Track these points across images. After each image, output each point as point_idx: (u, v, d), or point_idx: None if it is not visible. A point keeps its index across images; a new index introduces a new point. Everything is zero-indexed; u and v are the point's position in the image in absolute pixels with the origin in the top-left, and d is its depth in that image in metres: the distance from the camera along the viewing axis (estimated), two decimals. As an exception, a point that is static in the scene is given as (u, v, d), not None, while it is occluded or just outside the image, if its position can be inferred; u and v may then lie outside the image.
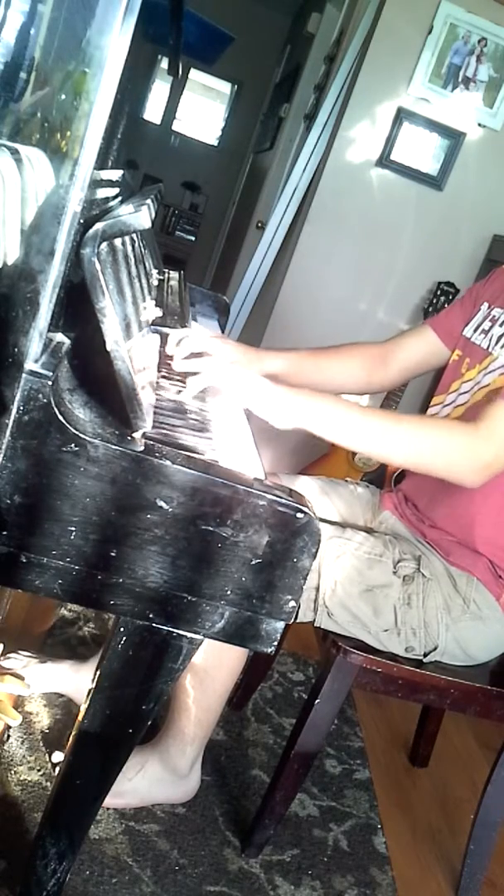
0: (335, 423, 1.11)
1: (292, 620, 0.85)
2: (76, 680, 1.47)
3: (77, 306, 0.78)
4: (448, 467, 1.14)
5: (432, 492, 1.36)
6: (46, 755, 1.37)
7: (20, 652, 1.49)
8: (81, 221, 0.73)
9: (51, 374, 0.73)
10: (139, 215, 0.80)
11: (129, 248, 0.98)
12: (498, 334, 1.31)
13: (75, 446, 0.74)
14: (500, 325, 1.31)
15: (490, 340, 1.32)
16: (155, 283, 1.25)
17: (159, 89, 5.88)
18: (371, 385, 1.48)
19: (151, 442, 0.78)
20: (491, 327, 1.34)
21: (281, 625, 0.84)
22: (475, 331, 1.37)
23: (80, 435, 0.74)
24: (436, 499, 1.35)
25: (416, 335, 1.46)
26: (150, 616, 0.82)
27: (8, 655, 1.46)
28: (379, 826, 1.53)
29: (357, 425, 1.11)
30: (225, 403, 1.11)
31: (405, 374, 1.47)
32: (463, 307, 1.43)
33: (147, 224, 0.81)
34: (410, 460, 1.15)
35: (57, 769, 1.32)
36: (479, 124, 2.63)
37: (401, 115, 2.61)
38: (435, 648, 1.26)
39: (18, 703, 1.44)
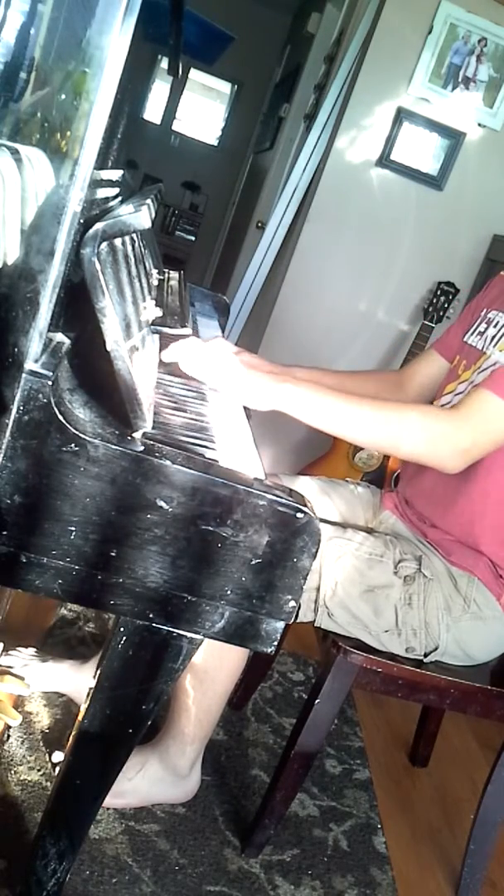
0: (314, 407, 1.11)
1: (292, 620, 0.85)
2: (76, 680, 1.47)
3: (77, 306, 0.78)
4: (427, 452, 1.15)
5: (433, 492, 1.36)
6: (46, 755, 1.37)
7: (20, 651, 1.49)
8: (81, 221, 0.73)
9: (51, 374, 0.73)
10: (139, 215, 0.80)
11: (129, 248, 0.98)
12: (492, 335, 1.32)
13: (75, 446, 0.74)
14: (495, 327, 1.32)
15: (485, 341, 1.33)
16: (155, 283, 1.25)
17: (159, 89, 5.88)
18: None
19: (151, 442, 0.78)
20: (486, 329, 1.35)
21: (281, 625, 0.84)
22: (472, 334, 1.38)
23: (80, 435, 0.74)
24: (436, 499, 1.35)
25: (424, 361, 1.52)
26: (150, 616, 0.82)
27: (8, 654, 1.46)
28: (379, 826, 1.53)
29: (336, 410, 1.11)
30: (225, 403, 1.11)
31: (422, 396, 1.50)
32: (462, 322, 1.47)
33: (147, 224, 0.81)
34: (390, 444, 1.16)
35: (57, 769, 1.32)
36: (479, 124, 2.63)
37: (401, 115, 2.61)
38: (435, 649, 1.26)
39: (18, 703, 1.44)
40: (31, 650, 1.51)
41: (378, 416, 1.13)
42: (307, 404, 1.10)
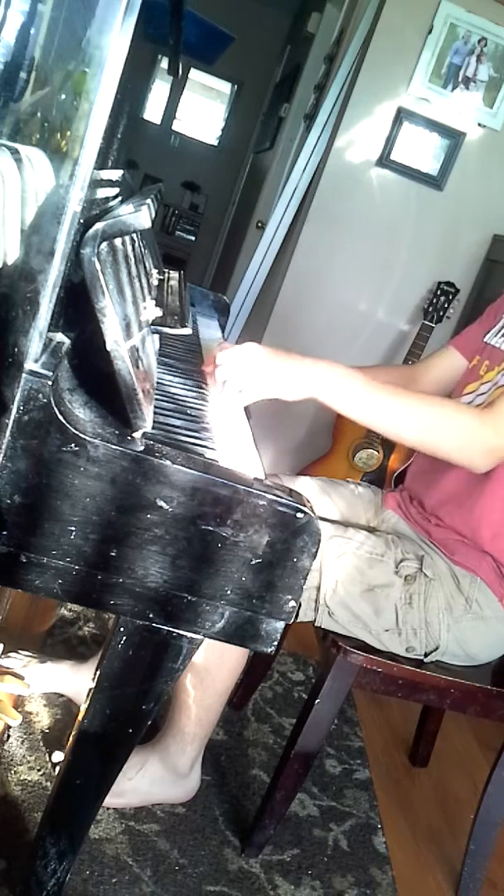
0: (348, 395, 1.09)
1: (292, 620, 0.85)
2: (76, 680, 1.47)
3: (77, 306, 0.78)
4: (456, 449, 1.14)
5: (439, 490, 1.36)
6: (46, 755, 1.37)
7: (20, 652, 1.49)
8: (81, 221, 0.73)
9: (51, 374, 0.73)
10: (139, 215, 0.80)
11: (129, 247, 0.98)
12: None
13: (75, 446, 0.74)
14: None
15: None
16: (155, 282, 1.25)
17: (159, 89, 5.89)
18: None
19: (151, 442, 0.78)
20: None
21: (281, 625, 0.84)
22: (496, 335, 1.38)
23: (80, 435, 0.74)
24: (443, 497, 1.35)
25: (440, 355, 1.51)
26: (150, 616, 0.82)
27: (8, 655, 1.46)
28: (379, 826, 1.53)
29: (371, 399, 1.10)
30: (225, 403, 1.11)
31: (436, 391, 1.49)
32: (483, 322, 1.47)
33: (147, 224, 0.81)
34: (420, 439, 1.14)
35: (57, 769, 1.32)
36: (479, 124, 2.63)
37: (401, 115, 2.61)
38: (436, 648, 1.26)
39: (18, 703, 1.44)
40: (31, 650, 1.51)
41: (418, 411, 1.11)
42: (344, 391, 1.09)
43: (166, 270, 1.57)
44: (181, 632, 0.83)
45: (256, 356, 1.08)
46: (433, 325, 2.59)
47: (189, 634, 0.84)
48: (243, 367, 1.07)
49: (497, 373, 1.33)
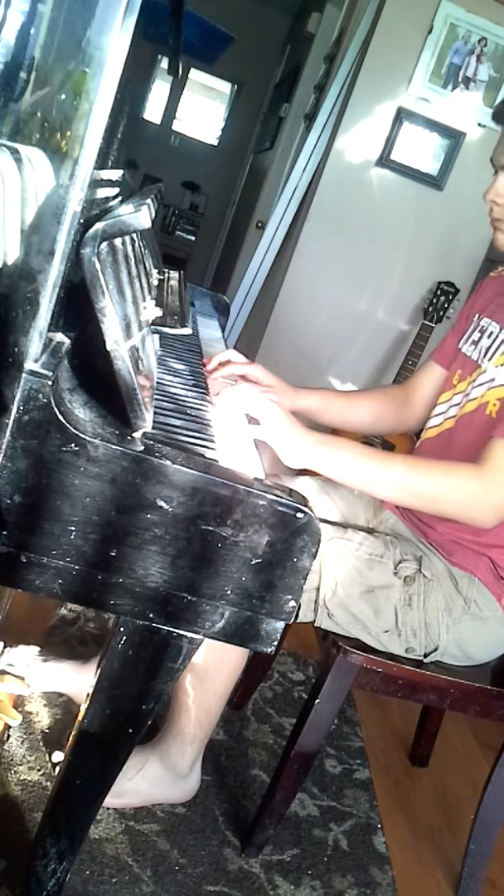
0: (347, 471, 1.13)
1: (292, 620, 0.85)
2: (76, 680, 1.47)
3: (77, 306, 0.78)
4: (462, 511, 1.15)
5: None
6: (46, 755, 1.37)
7: (21, 651, 1.49)
8: (81, 221, 0.73)
9: (51, 374, 0.73)
10: (139, 215, 0.80)
11: (129, 247, 0.98)
12: (486, 346, 1.32)
13: (75, 446, 0.74)
14: (489, 337, 1.32)
15: (480, 352, 1.33)
16: (155, 282, 1.25)
17: (159, 89, 5.89)
18: (404, 421, 1.53)
19: (151, 442, 0.78)
20: (480, 338, 1.35)
21: (281, 625, 0.84)
22: (467, 342, 1.38)
23: (80, 435, 0.74)
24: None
25: (425, 373, 1.52)
26: (151, 616, 0.82)
27: (8, 654, 1.46)
28: (379, 826, 1.53)
29: (370, 474, 1.13)
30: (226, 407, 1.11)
31: (429, 408, 1.49)
32: (457, 329, 1.47)
33: (147, 224, 0.81)
34: (426, 507, 1.18)
35: (57, 769, 1.32)
36: (479, 124, 2.64)
37: (401, 115, 2.61)
38: (435, 649, 1.26)
39: (18, 703, 1.44)
40: (32, 650, 1.51)
41: (413, 481, 1.14)
42: (344, 469, 1.13)
43: (166, 270, 1.58)
44: (181, 632, 0.83)
45: (271, 419, 1.10)
46: (433, 325, 2.59)
47: (189, 634, 0.84)
48: (259, 418, 1.10)
49: (468, 384, 1.33)
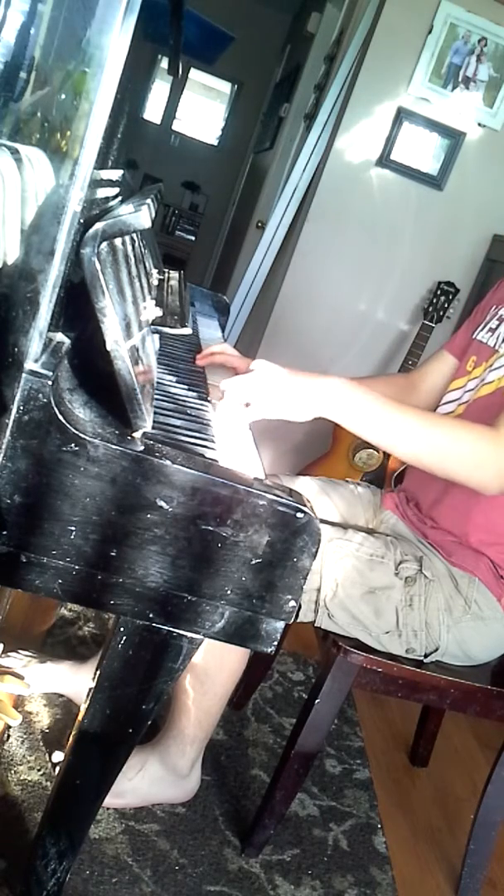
0: (361, 414, 1.05)
1: (292, 620, 0.85)
2: (76, 680, 1.47)
3: (77, 306, 0.78)
4: (471, 473, 1.10)
5: (435, 492, 1.36)
6: (46, 755, 1.37)
7: (20, 651, 1.49)
8: (81, 221, 0.73)
9: (51, 373, 0.73)
10: (139, 215, 0.80)
11: (129, 247, 0.98)
12: None
13: (75, 446, 0.74)
14: None
15: (497, 338, 1.33)
16: (155, 282, 1.25)
17: (159, 89, 5.88)
18: None
19: (151, 442, 0.78)
20: (498, 325, 1.35)
21: (281, 625, 0.84)
22: (483, 331, 1.38)
23: (80, 435, 0.74)
24: (438, 499, 1.35)
25: (436, 361, 1.51)
26: (150, 616, 0.81)
27: (8, 655, 1.46)
28: (379, 826, 1.53)
29: (386, 421, 1.06)
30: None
31: (435, 397, 1.48)
32: (472, 322, 1.47)
33: (147, 224, 0.81)
34: (434, 463, 1.11)
35: (57, 769, 1.32)
36: (479, 124, 2.63)
37: (401, 115, 2.61)
38: (436, 649, 1.26)
39: (18, 703, 1.44)
40: (31, 650, 1.51)
41: (429, 432, 1.08)
42: (357, 410, 1.05)
43: (166, 270, 1.58)
44: (181, 632, 0.83)
45: (266, 373, 1.04)
46: (433, 325, 2.59)
47: (189, 634, 0.84)
48: (253, 383, 1.03)
49: (484, 369, 1.32)
